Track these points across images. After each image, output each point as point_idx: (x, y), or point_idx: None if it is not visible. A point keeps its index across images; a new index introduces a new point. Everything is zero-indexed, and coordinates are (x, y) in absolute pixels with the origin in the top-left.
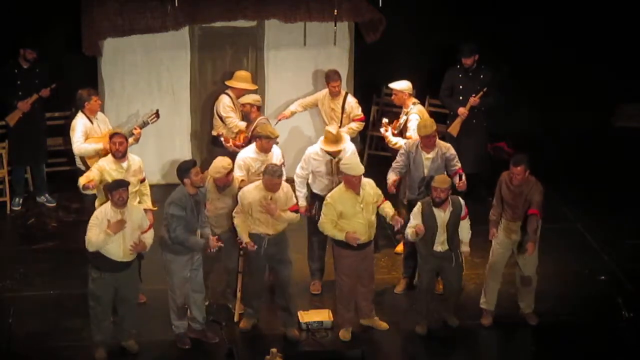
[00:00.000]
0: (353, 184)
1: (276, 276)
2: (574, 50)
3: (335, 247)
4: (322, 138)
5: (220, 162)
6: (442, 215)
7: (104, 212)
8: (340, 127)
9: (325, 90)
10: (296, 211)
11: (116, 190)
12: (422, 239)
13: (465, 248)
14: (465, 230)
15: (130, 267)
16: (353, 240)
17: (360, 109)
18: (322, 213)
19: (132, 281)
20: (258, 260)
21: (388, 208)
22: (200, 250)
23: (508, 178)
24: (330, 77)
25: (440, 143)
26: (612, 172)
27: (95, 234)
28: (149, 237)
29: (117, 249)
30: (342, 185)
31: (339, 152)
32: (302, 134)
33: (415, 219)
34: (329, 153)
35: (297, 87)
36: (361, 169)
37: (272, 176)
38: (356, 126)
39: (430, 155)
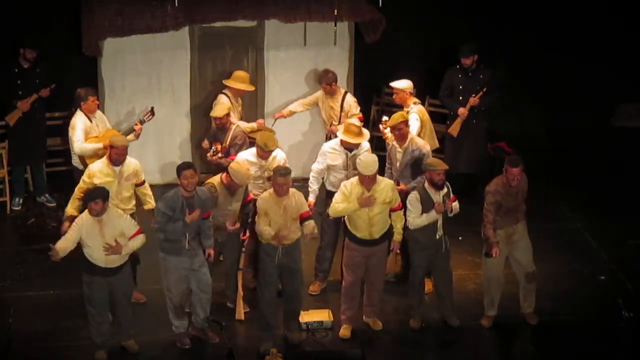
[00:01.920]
0: (365, 181)
1: (286, 285)
2: (574, 50)
3: (346, 237)
4: (341, 129)
5: (243, 169)
6: (437, 198)
7: (83, 219)
8: (338, 125)
9: (322, 91)
10: (308, 217)
11: (90, 201)
12: (424, 228)
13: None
14: (456, 207)
15: (121, 271)
16: (365, 202)
17: (358, 108)
18: (333, 198)
19: (124, 284)
20: (271, 271)
21: (398, 222)
22: (179, 235)
23: (502, 184)
24: (318, 79)
25: (413, 140)
26: (612, 172)
27: (63, 239)
28: (135, 242)
29: (99, 256)
30: (357, 178)
31: (357, 145)
32: (306, 136)
33: (414, 207)
34: (346, 146)
35: (297, 87)
36: (373, 168)
37: (275, 175)
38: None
39: (401, 150)
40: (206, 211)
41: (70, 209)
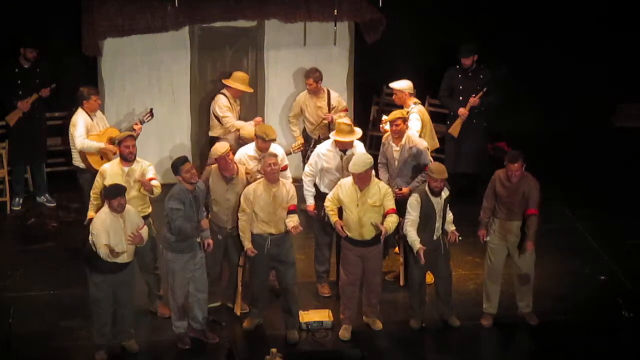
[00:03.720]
0: (356, 179)
1: (279, 277)
2: (574, 50)
3: (342, 238)
4: (333, 132)
5: (220, 144)
6: (439, 202)
7: (103, 217)
8: (330, 123)
9: (303, 93)
10: (294, 211)
11: (114, 197)
12: (423, 230)
13: (452, 227)
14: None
15: (129, 267)
16: (339, 231)
17: (345, 101)
18: (328, 195)
19: (130, 281)
20: (261, 259)
21: (389, 221)
22: (197, 236)
23: (504, 176)
24: (305, 75)
25: (409, 137)
26: (612, 172)
27: (104, 241)
28: (144, 233)
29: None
30: (352, 177)
31: (351, 143)
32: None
33: (414, 210)
34: (340, 147)
35: (297, 87)
36: (359, 167)
37: (264, 159)
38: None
39: (398, 148)
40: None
41: (92, 212)
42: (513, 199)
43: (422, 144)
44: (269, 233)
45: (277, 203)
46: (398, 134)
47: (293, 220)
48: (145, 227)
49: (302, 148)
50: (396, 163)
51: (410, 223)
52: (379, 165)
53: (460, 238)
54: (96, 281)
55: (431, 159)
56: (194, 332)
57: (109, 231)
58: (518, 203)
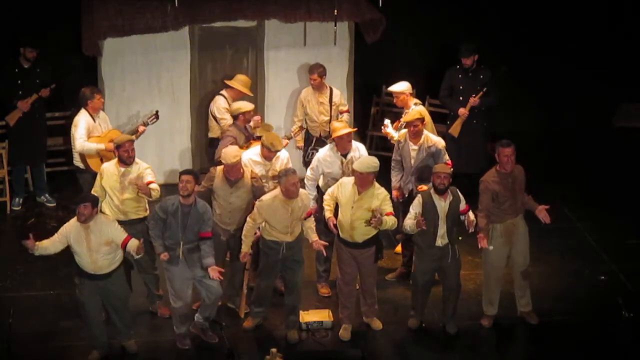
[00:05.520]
0: (358, 180)
1: (288, 275)
2: (574, 50)
3: (335, 237)
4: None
5: (231, 151)
6: (442, 205)
7: (71, 225)
8: (330, 119)
9: (306, 90)
10: (310, 216)
11: (79, 204)
12: (423, 232)
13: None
14: (471, 216)
15: (112, 277)
16: (330, 227)
17: (345, 101)
18: (327, 191)
19: (116, 289)
20: (275, 263)
21: (387, 218)
22: (173, 243)
23: (497, 175)
24: (309, 70)
25: (427, 137)
26: (612, 172)
27: (47, 241)
28: (131, 246)
29: (87, 263)
30: (354, 177)
31: (350, 142)
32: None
33: (414, 209)
34: (342, 150)
35: (297, 87)
36: (365, 168)
37: (287, 177)
38: (346, 118)
39: (416, 147)
40: (206, 230)
41: None
42: (514, 191)
43: (441, 142)
44: (284, 241)
45: (293, 216)
46: (416, 134)
47: (313, 237)
48: (133, 240)
49: (299, 132)
50: (412, 161)
51: (408, 217)
52: (393, 162)
53: (460, 238)
54: (75, 282)
55: (448, 158)
56: (196, 329)
57: (69, 236)
58: (519, 194)
